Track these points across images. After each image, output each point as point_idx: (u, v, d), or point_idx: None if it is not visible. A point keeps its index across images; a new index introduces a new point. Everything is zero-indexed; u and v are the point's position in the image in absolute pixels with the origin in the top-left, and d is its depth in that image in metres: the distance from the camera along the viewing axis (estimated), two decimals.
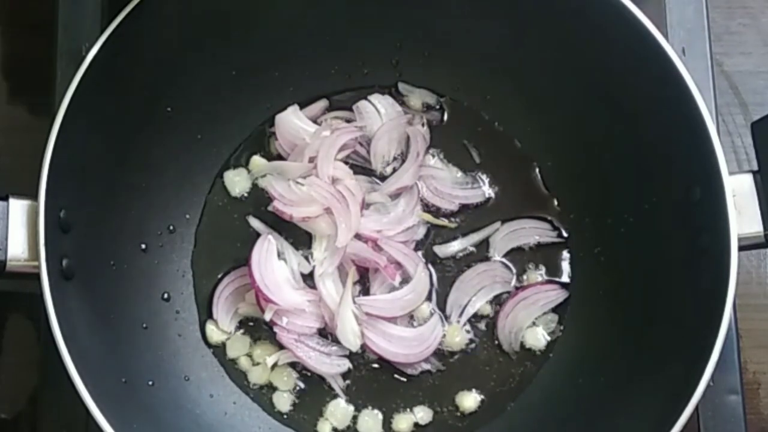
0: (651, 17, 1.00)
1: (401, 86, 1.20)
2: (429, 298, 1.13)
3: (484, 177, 1.17)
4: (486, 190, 1.17)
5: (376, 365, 1.12)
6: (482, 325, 1.13)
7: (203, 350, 1.12)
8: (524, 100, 1.17)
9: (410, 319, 1.13)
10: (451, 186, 1.17)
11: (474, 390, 1.11)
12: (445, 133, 1.19)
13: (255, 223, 1.15)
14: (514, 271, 1.14)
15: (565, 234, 1.15)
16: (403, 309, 1.11)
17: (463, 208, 1.16)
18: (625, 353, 1.05)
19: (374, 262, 1.11)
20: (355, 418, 1.10)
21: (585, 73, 1.10)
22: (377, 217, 1.14)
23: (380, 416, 1.10)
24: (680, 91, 0.98)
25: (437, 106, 1.20)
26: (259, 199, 1.16)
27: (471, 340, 1.12)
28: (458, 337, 1.12)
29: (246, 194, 1.17)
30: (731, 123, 1.22)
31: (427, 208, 1.16)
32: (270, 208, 1.12)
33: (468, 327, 1.13)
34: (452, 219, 1.16)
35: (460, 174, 1.18)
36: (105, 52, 0.99)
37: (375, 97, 1.19)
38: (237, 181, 1.17)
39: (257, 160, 1.18)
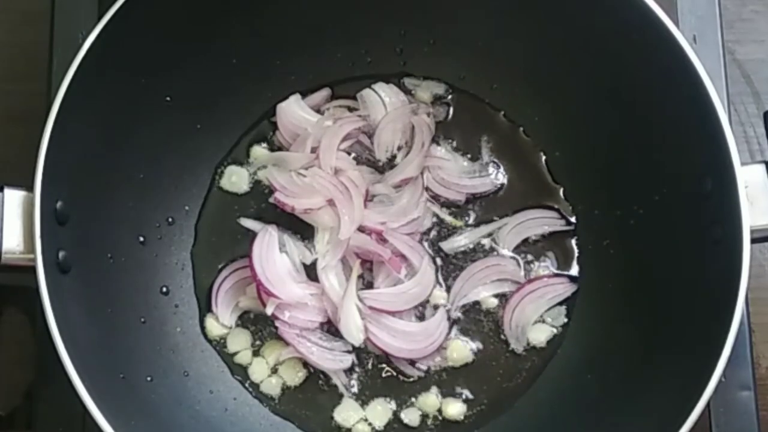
0: (661, 4, 0.99)
1: (407, 81, 1.19)
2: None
3: (490, 167, 1.16)
4: (493, 179, 1.16)
5: (381, 361, 1.10)
6: (488, 320, 1.12)
7: (203, 345, 1.11)
8: (531, 89, 1.16)
9: (416, 311, 1.11)
10: (458, 176, 1.16)
11: (460, 398, 1.10)
12: (451, 122, 1.18)
13: (248, 223, 1.14)
14: (523, 268, 1.13)
15: (572, 220, 1.14)
16: (407, 303, 1.10)
17: (471, 198, 1.15)
18: (634, 348, 1.04)
19: (378, 255, 1.10)
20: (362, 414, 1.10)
21: (593, 61, 1.08)
22: (381, 208, 1.13)
23: (389, 408, 1.10)
24: (691, 80, 0.96)
25: (447, 96, 1.18)
26: (258, 193, 1.15)
27: (475, 352, 1.11)
28: (462, 352, 1.11)
29: (247, 189, 1.16)
30: (743, 112, 1.21)
31: (434, 199, 1.15)
32: (271, 200, 1.11)
33: (471, 332, 1.12)
34: (460, 217, 1.15)
35: (466, 163, 1.16)
36: (102, 41, 0.98)
37: (379, 86, 1.18)
38: (234, 182, 1.16)
39: (258, 151, 1.17)
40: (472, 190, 1.15)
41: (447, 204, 1.15)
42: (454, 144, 1.17)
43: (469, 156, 1.17)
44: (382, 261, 1.11)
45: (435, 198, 1.15)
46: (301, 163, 1.13)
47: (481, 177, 1.16)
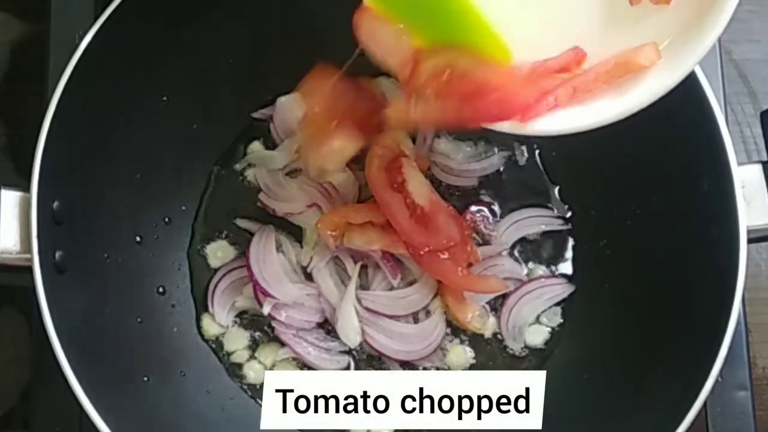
0: None
1: None
2: None
3: (495, 146, 1.16)
4: (500, 156, 1.16)
5: (376, 361, 1.10)
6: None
7: (200, 345, 1.11)
8: None
9: (412, 315, 1.11)
10: (466, 162, 1.15)
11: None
12: None
13: (245, 223, 1.14)
14: (524, 267, 1.13)
15: (569, 216, 1.14)
16: (405, 309, 1.10)
17: (483, 181, 1.15)
18: (630, 348, 1.04)
19: (373, 259, 1.10)
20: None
21: None
22: None
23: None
24: (687, 80, 0.95)
25: None
26: (254, 194, 1.15)
27: (473, 354, 1.11)
28: (462, 357, 1.11)
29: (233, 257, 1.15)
30: (740, 112, 1.20)
31: (447, 189, 1.15)
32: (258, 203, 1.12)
33: (468, 333, 1.11)
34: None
35: (470, 148, 1.16)
36: (98, 41, 0.97)
37: (379, 81, 1.16)
38: (220, 256, 1.14)
39: (255, 146, 1.16)
40: (482, 172, 1.15)
41: (461, 191, 1.15)
42: (455, 135, 1.16)
43: (470, 141, 1.16)
44: (377, 266, 1.10)
45: (448, 189, 1.15)
46: (282, 163, 1.13)
47: (488, 157, 1.16)
